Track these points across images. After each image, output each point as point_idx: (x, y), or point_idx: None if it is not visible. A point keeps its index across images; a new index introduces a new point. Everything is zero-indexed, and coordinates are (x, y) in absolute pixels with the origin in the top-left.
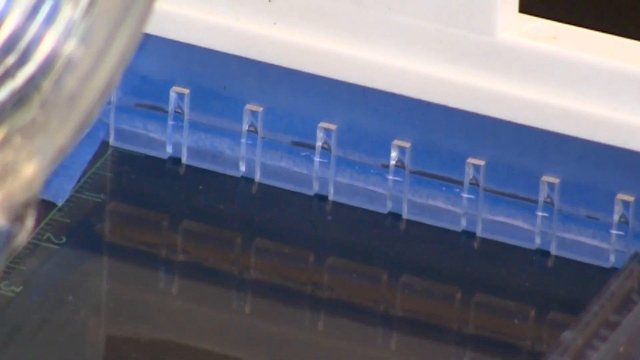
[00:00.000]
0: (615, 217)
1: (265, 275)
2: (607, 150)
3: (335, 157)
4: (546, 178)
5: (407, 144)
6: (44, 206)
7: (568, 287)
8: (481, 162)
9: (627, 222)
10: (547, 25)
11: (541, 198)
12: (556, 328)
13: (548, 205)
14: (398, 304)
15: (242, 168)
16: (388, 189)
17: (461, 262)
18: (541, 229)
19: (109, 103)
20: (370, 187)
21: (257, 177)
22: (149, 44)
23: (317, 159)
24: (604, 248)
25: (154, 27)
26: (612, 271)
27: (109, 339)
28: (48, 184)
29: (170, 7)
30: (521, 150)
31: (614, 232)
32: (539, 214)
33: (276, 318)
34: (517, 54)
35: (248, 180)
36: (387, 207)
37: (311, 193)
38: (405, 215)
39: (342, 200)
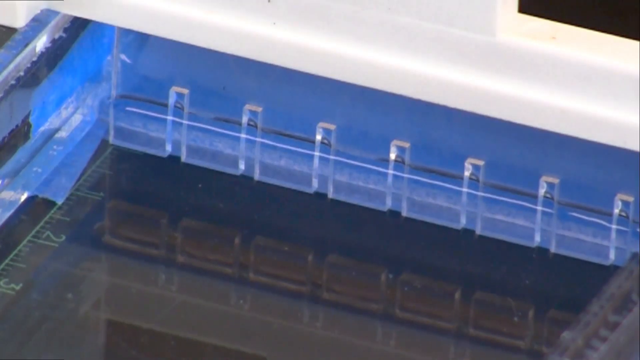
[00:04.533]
0: (615, 215)
1: (265, 273)
2: (606, 150)
3: (335, 156)
4: (546, 178)
5: (406, 144)
6: (44, 204)
7: (568, 285)
8: (480, 162)
9: (627, 220)
10: (547, 25)
11: (541, 196)
12: (556, 327)
13: (548, 203)
14: (397, 301)
15: (242, 166)
16: (387, 186)
17: (461, 260)
18: (541, 226)
19: (109, 102)
20: (370, 185)
21: (257, 176)
22: (149, 44)
23: (316, 157)
24: (604, 246)
25: (154, 27)
26: (612, 269)
27: (109, 335)
28: (48, 182)
29: (169, 7)
30: (521, 150)
31: (614, 230)
32: (539, 212)
33: (275, 315)
34: (516, 54)
35: (247, 178)
36: (387, 204)
37: (311, 191)
38: (404, 213)
39: (342, 198)
